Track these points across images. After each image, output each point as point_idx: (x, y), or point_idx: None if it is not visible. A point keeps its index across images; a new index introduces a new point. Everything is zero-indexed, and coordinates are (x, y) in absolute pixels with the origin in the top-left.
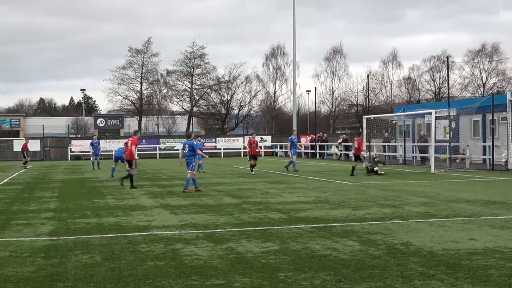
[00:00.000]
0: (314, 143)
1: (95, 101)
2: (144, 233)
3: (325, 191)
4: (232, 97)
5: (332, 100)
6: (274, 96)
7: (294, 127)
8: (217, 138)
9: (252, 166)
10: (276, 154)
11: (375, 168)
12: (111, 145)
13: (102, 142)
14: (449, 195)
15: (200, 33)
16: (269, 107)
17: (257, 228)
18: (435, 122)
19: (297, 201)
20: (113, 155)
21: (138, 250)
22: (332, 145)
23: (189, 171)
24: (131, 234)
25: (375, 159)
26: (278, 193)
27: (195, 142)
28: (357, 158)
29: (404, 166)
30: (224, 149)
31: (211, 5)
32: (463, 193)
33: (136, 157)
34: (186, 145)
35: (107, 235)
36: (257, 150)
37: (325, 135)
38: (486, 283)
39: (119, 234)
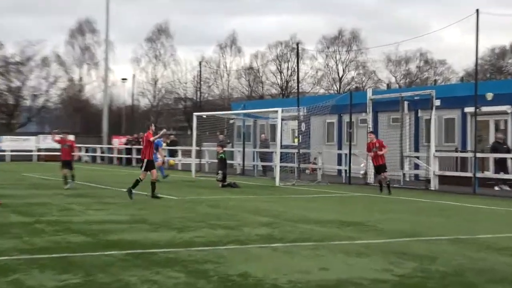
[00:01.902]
0: (130, 146)
1: None
2: None
3: (143, 207)
4: (23, 83)
5: (155, 91)
6: (81, 84)
7: (105, 124)
8: (2, 137)
9: (66, 178)
10: (80, 159)
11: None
12: None
13: None
14: (297, 214)
15: None
16: (73, 98)
17: (54, 255)
18: (281, 123)
19: (106, 220)
20: None
21: None
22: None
23: None
24: None
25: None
26: (82, 210)
27: None
28: (381, 169)
29: (243, 177)
30: (11, 151)
31: None
32: (314, 212)
33: None
34: None
35: None
36: (72, 154)
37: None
38: None
39: None
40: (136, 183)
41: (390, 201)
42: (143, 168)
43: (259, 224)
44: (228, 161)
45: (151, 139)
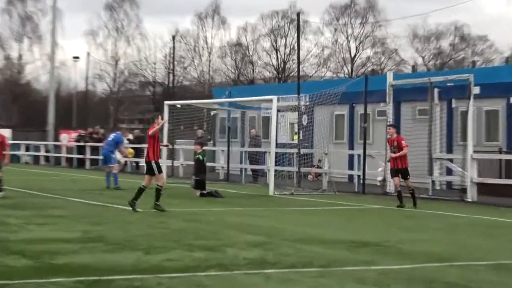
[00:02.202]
0: (82, 143)
1: None
2: None
3: (99, 222)
4: None
5: (116, 74)
6: (20, 63)
7: (51, 116)
8: None
9: None
10: (19, 159)
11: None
12: None
13: None
14: (296, 231)
15: None
16: (10, 81)
17: None
18: (277, 115)
19: (52, 238)
20: None
21: None
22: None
23: None
24: None
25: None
26: (21, 225)
27: None
28: (403, 173)
29: (227, 185)
30: None
31: None
32: (318, 229)
33: None
34: None
35: None
36: (4, 153)
37: (102, 130)
38: None
39: None
40: (140, 192)
41: (415, 215)
42: (156, 172)
43: (248, 244)
44: (209, 164)
45: (150, 132)
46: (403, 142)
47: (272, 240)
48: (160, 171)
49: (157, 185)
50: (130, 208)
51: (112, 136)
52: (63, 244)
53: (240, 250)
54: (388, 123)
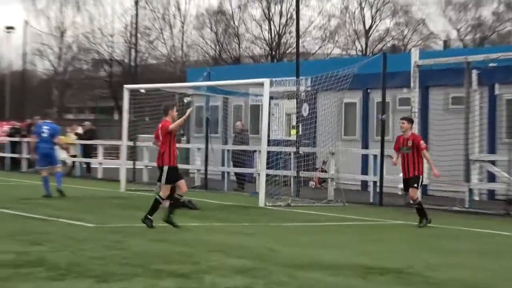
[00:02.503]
0: (18, 139)
1: None
2: None
3: (39, 240)
4: None
5: (61, 50)
6: None
7: None
8: None
9: None
10: None
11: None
12: None
13: None
14: (294, 254)
15: None
16: None
17: None
18: (269, 104)
19: None
20: None
21: None
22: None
23: None
24: None
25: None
26: None
27: None
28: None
29: (205, 193)
30: None
31: None
32: (323, 251)
33: None
34: None
35: None
36: None
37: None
38: None
39: None
40: (156, 204)
41: (447, 234)
42: (163, 180)
43: (231, 269)
44: (181, 166)
45: (171, 127)
46: (422, 142)
47: (262, 264)
48: (176, 178)
49: (158, 194)
50: (177, 225)
51: (45, 129)
52: None
53: (221, 278)
54: (406, 116)
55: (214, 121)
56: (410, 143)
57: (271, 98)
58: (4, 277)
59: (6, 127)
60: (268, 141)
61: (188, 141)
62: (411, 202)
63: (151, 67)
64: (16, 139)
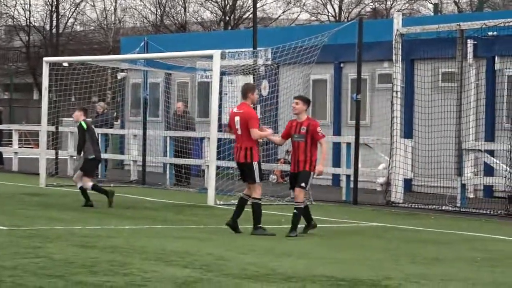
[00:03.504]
0: None
1: None
2: None
3: None
4: None
5: None
6: None
7: None
8: None
9: None
10: None
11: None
12: None
13: None
14: (248, 263)
15: None
16: None
17: None
18: (220, 80)
19: None
20: None
21: None
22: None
23: None
24: None
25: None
26: None
27: None
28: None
29: (142, 189)
30: None
31: None
32: (281, 260)
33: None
34: None
35: None
36: None
37: None
38: None
39: None
40: (258, 209)
41: (435, 239)
42: (257, 178)
43: (171, 282)
44: (114, 156)
45: (255, 135)
46: (319, 129)
47: (209, 275)
48: (262, 177)
49: (254, 198)
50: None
51: None
52: None
53: None
54: (302, 95)
55: (154, 101)
56: (304, 129)
57: (223, 73)
58: None
59: None
60: (220, 126)
61: (122, 126)
62: (296, 203)
63: (77, 35)
64: None
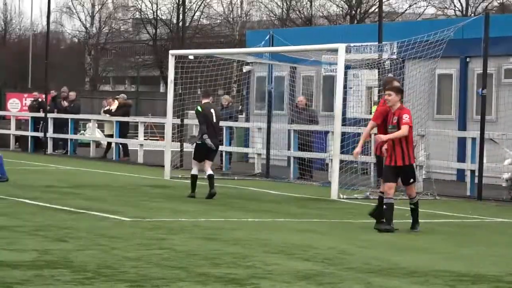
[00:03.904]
0: (41, 114)
1: None
2: None
3: (64, 236)
4: None
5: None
6: None
7: None
8: None
9: None
10: None
11: None
12: None
13: None
14: (370, 257)
15: None
16: None
17: None
18: (345, 74)
19: None
20: None
21: None
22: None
23: None
24: None
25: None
26: None
27: None
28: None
29: (266, 182)
30: None
31: None
32: (405, 254)
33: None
34: None
35: None
36: None
37: (72, 93)
38: None
39: None
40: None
41: None
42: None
43: (293, 274)
44: (238, 150)
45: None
46: (405, 116)
47: (331, 269)
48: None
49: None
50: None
51: None
52: (6, 270)
53: (281, 284)
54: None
55: (279, 95)
56: (395, 120)
57: (348, 67)
58: (23, 280)
59: (29, 99)
60: (344, 119)
61: (247, 119)
62: (410, 199)
63: (203, 28)
64: (39, 114)
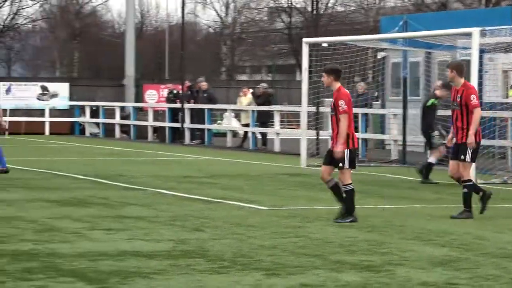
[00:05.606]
0: (177, 105)
1: None
2: None
3: (200, 226)
4: None
5: None
6: None
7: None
8: None
9: None
10: (83, 131)
11: None
12: None
13: None
14: (506, 241)
15: None
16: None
17: None
18: (480, 58)
19: (127, 251)
20: None
21: None
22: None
23: None
24: None
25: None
26: (80, 231)
27: None
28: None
29: (404, 168)
30: None
31: None
32: None
33: None
34: None
35: None
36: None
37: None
38: None
39: None
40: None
41: None
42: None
43: (429, 261)
44: (374, 136)
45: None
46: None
47: (467, 254)
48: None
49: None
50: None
51: None
52: (143, 260)
53: (417, 271)
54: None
55: (414, 81)
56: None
57: (482, 51)
58: (159, 270)
59: (165, 90)
60: (480, 104)
61: (383, 106)
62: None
63: (337, 16)
64: (175, 105)
